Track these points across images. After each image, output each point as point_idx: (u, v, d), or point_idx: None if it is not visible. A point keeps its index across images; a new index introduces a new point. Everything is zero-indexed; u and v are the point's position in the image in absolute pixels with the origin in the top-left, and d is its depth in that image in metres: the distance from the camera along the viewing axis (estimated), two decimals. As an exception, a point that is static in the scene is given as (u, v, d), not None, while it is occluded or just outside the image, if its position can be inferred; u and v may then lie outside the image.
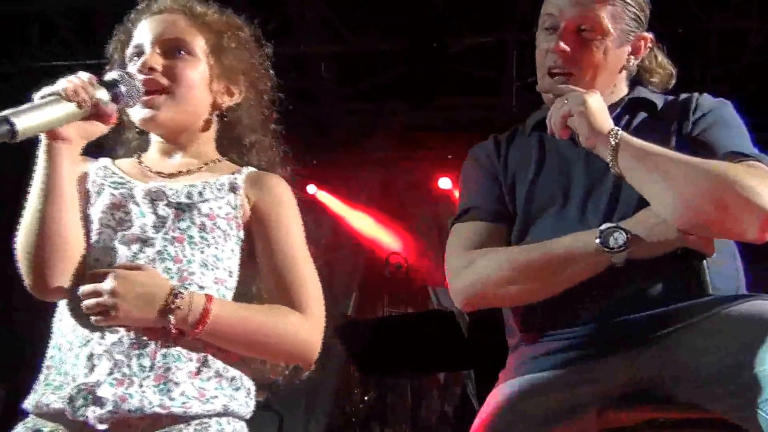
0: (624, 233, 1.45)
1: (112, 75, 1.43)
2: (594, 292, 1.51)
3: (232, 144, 1.64)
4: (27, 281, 1.39)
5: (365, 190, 7.02)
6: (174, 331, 1.35)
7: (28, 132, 1.26)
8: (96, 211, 1.45)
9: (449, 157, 6.39)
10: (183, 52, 1.53)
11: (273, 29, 5.22)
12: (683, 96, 1.68)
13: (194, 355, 1.37)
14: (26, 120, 1.25)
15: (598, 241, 1.46)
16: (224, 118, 1.62)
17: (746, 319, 1.39)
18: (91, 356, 1.33)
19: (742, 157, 1.49)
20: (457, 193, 1.71)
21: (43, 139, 1.37)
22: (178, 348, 1.36)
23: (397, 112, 6.64)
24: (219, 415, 1.36)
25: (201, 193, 1.48)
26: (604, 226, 1.48)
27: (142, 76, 1.47)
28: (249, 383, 1.46)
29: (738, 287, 1.57)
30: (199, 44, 1.55)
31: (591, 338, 1.50)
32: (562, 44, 1.58)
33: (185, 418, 1.32)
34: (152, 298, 1.33)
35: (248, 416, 1.44)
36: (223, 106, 1.60)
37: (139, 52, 1.53)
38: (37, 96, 1.32)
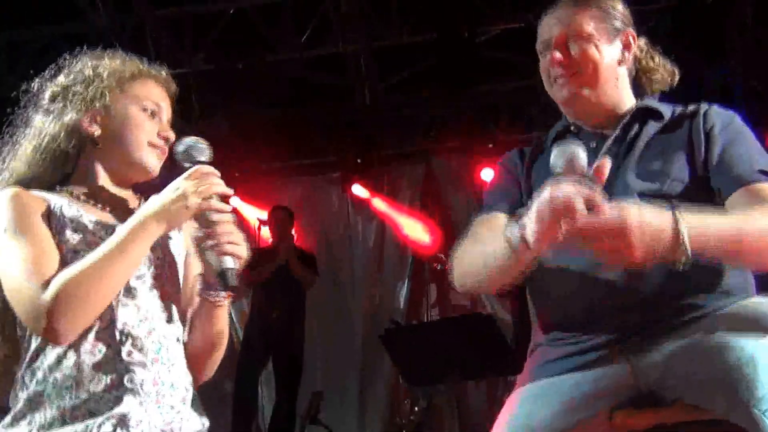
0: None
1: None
2: (610, 297, 1.57)
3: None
4: (61, 326, 1.38)
5: (407, 185, 6.93)
6: None
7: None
8: (79, 244, 1.50)
9: (490, 146, 6.23)
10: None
11: (312, 29, 5.30)
12: (691, 107, 1.76)
13: (184, 382, 1.56)
14: None
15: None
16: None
17: (738, 321, 1.48)
18: (117, 388, 1.44)
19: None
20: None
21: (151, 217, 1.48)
22: (172, 378, 1.52)
23: (434, 103, 6.53)
24: None
25: None
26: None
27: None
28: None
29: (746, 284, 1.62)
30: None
31: (600, 343, 1.58)
32: (557, 54, 1.74)
33: None
34: None
35: None
36: None
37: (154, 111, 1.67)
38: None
